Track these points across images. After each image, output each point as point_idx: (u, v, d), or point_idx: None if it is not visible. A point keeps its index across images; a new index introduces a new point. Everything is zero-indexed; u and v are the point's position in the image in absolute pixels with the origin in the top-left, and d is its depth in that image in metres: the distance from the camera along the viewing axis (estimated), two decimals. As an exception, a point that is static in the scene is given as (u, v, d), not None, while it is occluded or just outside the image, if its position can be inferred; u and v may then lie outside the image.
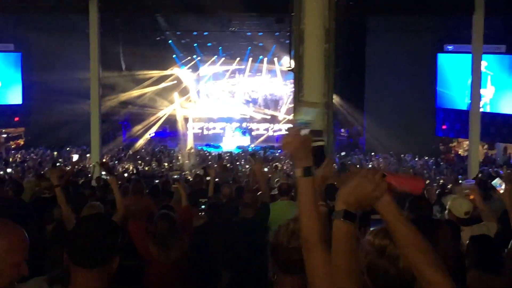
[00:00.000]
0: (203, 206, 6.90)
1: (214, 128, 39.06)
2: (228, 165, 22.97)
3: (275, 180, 12.49)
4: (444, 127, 32.23)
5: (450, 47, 30.61)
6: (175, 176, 8.74)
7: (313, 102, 2.99)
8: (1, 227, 2.68)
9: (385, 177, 2.38)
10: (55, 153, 29.73)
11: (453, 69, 30.52)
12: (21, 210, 8.30)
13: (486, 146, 31.50)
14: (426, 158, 29.85)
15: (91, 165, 22.02)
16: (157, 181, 15.81)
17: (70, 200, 7.43)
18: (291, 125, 2.94)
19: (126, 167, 25.48)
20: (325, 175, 3.59)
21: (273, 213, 6.90)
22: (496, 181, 5.55)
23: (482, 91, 22.26)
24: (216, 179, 10.66)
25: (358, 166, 24.76)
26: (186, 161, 28.30)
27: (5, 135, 34.43)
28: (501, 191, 5.46)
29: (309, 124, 2.90)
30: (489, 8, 19.53)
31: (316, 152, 3.06)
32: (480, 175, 18.81)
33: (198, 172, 17.57)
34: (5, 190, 9.23)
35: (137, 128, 36.30)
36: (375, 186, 2.35)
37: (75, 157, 14.33)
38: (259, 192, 7.19)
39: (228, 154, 31.65)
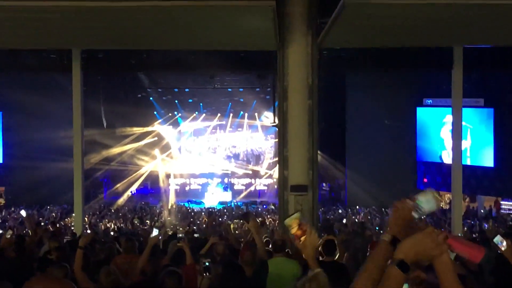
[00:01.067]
0: (207, 264, 6.80)
1: (196, 184, 38.97)
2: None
3: (263, 236, 12.41)
4: (425, 180, 32.39)
5: (429, 101, 31.04)
6: (180, 235, 8.68)
7: (437, 197, 3.02)
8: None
9: (448, 239, 2.54)
10: (35, 212, 29.37)
11: (432, 123, 30.88)
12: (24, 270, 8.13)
13: (467, 199, 31.68)
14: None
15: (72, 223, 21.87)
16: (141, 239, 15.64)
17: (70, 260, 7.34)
18: (410, 200, 3.00)
19: (108, 225, 25.24)
20: (312, 243, 3.66)
21: (270, 270, 6.86)
22: (497, 239, 5.58)
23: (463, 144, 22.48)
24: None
25: (341, 220, 24.72)
26: (168, 218, 28.10)
27: (-16, 195, 34.07)
28: (503, 248, 5.48)
29: (421, 211, 2.94)
30: (467, 62, 19.86)
31: None
32: (464, 231, 18.88)
33: (181, 229, 17.50)
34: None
35: (119, 185, 36.13)
36: (436, 245, 2.51)
37: (23, 213, 14.33)
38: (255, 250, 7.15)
39: (210, 210, 31.52)
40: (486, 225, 21.33)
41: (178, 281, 5.96)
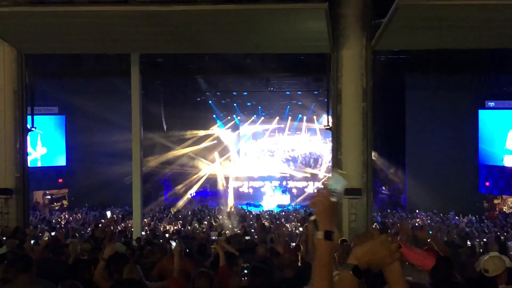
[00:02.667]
0: (245, 271, 6.84)
1: (254, 187, 39.07)
2: (267, 224, 22.87)
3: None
4: (487, 184, 31.69)
5: (491, 104, 30.35)
6: (213, 237, 8.74)
7: (343, 173, 3.06)
8: None
9: (400, 248, 2.60)
10: (95, 213, 29.99)
11: (495, 126, 30.20)
12: (61, 271, 8.37)
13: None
14: (470, 216, 29.26)
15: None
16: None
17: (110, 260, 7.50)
18: (322, 188, 3.00)
19: (167, 227, 25.56)
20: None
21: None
22: None
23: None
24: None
25: (398, 225, 24.38)
26: (227, 220, 28.25)
27: (49, 197, 34.96)
28: None
29: (337, 192, 2.99)
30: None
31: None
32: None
33: (238, 232, 17.57)
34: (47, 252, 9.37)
35: (178, 187, 36.56)
36: (389, 254, 2.60)
37: (108, 214, 14.50)
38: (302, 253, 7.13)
39: (268, 213, 31.56)
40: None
41: (207, 282, 6.03)
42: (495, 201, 33.45)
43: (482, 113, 31.06)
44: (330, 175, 3.08)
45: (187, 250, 10.06)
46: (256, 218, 25.61)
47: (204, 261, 8.39)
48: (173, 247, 7.81)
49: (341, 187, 3.01)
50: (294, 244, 12.82)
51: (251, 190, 39.04)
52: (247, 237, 14.29)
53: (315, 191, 3.01)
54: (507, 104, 26.22)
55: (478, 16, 13.45)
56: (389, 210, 32.55)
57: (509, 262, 6.81)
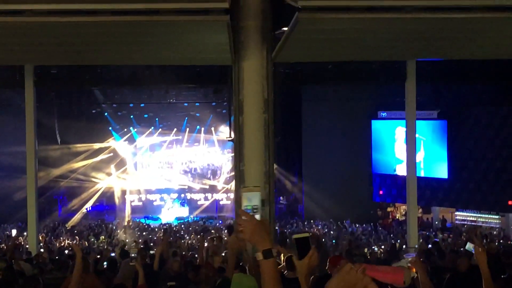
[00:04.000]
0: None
1: (152, 200, 38.60)
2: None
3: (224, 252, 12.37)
4: (381, 192, 32.72)
5: (383, 114, 31.40)
6: (133, 254, 8.54)
7: (253, 187, 3.07)
8: None
9: (366, 271, 2.54)
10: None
11: (387, 135, 31.24)
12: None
13: (420, 211, 32.10)
14: (364, 224, 30.13)
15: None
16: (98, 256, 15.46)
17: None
18: (241, 213, 3.04)
19: (62, 244, 24.85)
20: (311, 266, 3.61)
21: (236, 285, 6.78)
22: (469, 246, 5.64)
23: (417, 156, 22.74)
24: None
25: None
26: (123, 234, 27.79)
27: None
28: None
29: (256, 208, 3.01)
30: (420, 75, 20.20)
31: (300, 244, 3.19)
32: (420, 243, 19.08)
33: (141, 246, 17.28)
34: None
35: (74, 202, 35.61)
36: (358, 280, 2.52)
37: (14, 232, 13.78)
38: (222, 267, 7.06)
39: (167, 226, 31.32)
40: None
41: None
42: (388, 209, 34.62)
43: (374, 123, 32.06)
44: (242, 196, 3.09)
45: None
46: (163, 232, 25.35)
47: (113, 278, 8.17)
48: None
49: (257, 201, 3.02)
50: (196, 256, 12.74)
51: (149, 203, 38.52)
52: (151, 251, 14.06)
53: (236, 220, 3.02)
54: (399, 115, 27.17)
55: (374, 29, 13.84)
56: (286, 220, 33.01)
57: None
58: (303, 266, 3.46)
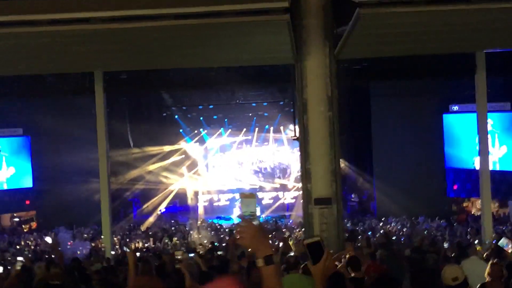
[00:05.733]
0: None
1: (224, 200, 38.91)
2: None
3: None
4: (455, 187, 32.02)
5: (455, 107, 30.70)
6: (179, 257, 8.63)
7: (250, 194, 3.05)
8: None
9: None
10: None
11: (459, 129, 30.53)
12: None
13: (497, 205, 31.14)
14: (440, 220, 29.52)
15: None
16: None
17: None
18: (240, 220, 3.04)
19: (137, 245, 25.33)
20: (326, 269, 3.56)
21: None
22: (503, 241, 5.45)
23: (490, 149, 22.16)
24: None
25: (370, 232, 24.57)
26: (196, 236, 28.08)
27: (17, 219, 34.42)
28: (509, 251, 5.36)
29: (254, 215, 3.01)
30: (490, 67, 19.69)
31: (312, 249, 3.18)
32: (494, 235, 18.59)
33: (209, 247, 17.43)
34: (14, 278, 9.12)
35: (148, 204, 36.28)
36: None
37: (48, 239, 14.18)
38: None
39: (232, 228, 31.52)
40: None
41: None
42: (464, 204, 33.81)
43: (446, 117, 31.39)
44: (239, 202, 3.09)
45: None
46: (229, 233, 25.48)
47: (180, 282, 8.24)
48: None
49: (254, 208, 3.02)
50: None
51: (221, 203, 38.86)
52: (219, 252, 14.18)
53: (235, 228, 3.06)
54: (471, 108, 26.48)
55: (439, 22, 13.59)
56: (358, 218, 32.70)
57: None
58: (317, 271, 3.47)
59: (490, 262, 7.10)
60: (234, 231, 26.14)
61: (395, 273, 10.19)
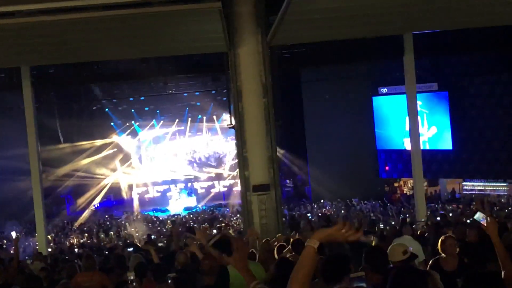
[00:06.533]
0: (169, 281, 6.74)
1: (159, 192, 38.64)
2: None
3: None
4: (387, 168, 32.67)
5: (384, 90, 31.25)
6: (130, 249, 8.55)
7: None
8: None
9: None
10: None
11: (389, 111, 31.10)
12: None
13: (425, 183, 31.99)
14: (373, 201, 30.10)
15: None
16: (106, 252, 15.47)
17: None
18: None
19: (72, 241, 24.88)
20: (243, 255, 3.70)
21: (232, 275, 6.73)
22: (479, 215, 5.54)
23: (420, 130, 22.64)
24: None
25: (308, 215, 24.83)
26: (132, 229, 27.78)
27: None
28: (485, 224, 5.44)
29: None
30: (418, 48, 20.07)
31: (220, 245, 3.62)
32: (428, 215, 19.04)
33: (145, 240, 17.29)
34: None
35: (81, 200, 35.64)
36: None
37: (13, 234, 13.82)
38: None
39: (175, 217, 31.34)
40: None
41: None
42: (395, 184, 34.57)
43: (376, 100, 31.93)
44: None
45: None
46: (171, 224, 25.32)
47: (123, 274, 8.13)
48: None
49: None
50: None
51: (156, 195, 38.57)
52: (160, 244, 14.07)
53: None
54: (399, 89, 27.02)
55: (367, 5, 13.77)
56: (294, 203, 33.02)
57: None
58: (235, 260, 3.65)
59: (442, 238, 7.13)
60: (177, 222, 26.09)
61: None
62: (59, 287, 6.53)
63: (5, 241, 25.39)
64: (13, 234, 12.81)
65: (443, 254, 6.97)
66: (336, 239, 3.09)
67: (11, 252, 20.07)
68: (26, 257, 16.99)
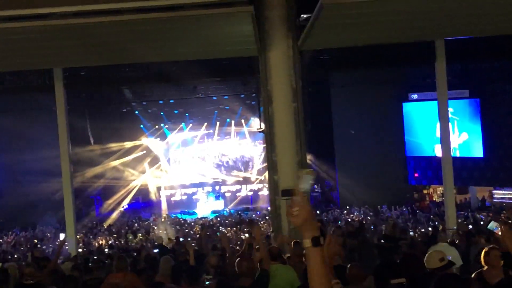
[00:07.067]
0: (207, 283, 6.75)
1: (187, 195, 38.79)
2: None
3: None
4: (416, 175, 32.43)
5: (414, 96, 31.05)
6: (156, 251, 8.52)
7: (311, 170, 2.98)
8: None
9: None
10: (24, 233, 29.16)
11: (419, 117, 30.89)
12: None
13: (455, 191, 31.62)
14: (403, 208, 29.87)
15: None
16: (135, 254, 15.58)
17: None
18: (296, 196, 2.89)
19: (101, 242, 25.09)
20: (331, 252, 3.55)
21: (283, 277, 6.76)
22: (492, 225, 5.47)
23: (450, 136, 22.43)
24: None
25: (336, 222, 24.73)
26: (161, 231, 27.93)
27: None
28: (499, 233, 5.34)
29: (306, 193, 2.92)
30: (449, 55, 19.90)
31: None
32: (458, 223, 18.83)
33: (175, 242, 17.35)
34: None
35: (110, 201, 35.94)
36: None
37: (62, 236, 13.76)
38: (259, 259, 7.06)
39: (203, 220, 31.45)
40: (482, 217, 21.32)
41: None
42: (425, 191, 34.28)
43: (406, 106, 31.74)
44: (298, 177, 2.98)
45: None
46: (201, 227, 25.40)
47: (153, 276, 8.18)
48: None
49: (309, 186, 2.94)
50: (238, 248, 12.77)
51: (184, 198, 38.74)
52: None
53: (291, 201, 2.89)
54: (430, 96, 26.81)
55: (399, 11, 13.69)
56: (321, 208, 32.91)
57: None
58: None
59: (484, 249, 6.80)
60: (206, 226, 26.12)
61: (365, 261, 10.29)
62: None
63: (35, 240, 25.77)
64: (62, 236, 12.98)
65: (486, 266, 6.55)
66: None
67: (46, 251, 20.43)
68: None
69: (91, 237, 27.70)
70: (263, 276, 6.54)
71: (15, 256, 20.25)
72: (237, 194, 38.66)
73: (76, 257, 14.98)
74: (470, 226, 17.12)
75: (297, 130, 15.12)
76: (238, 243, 18.19)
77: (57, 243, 23.38)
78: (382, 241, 13.17)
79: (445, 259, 6.17)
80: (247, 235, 19.11)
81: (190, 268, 7.70)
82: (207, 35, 15.22)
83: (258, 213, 33.92)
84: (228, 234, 23.46)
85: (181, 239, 19.31)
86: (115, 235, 27.55)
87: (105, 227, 31.74)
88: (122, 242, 25.09)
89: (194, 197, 38.44)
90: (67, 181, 20.66)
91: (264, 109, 15.87)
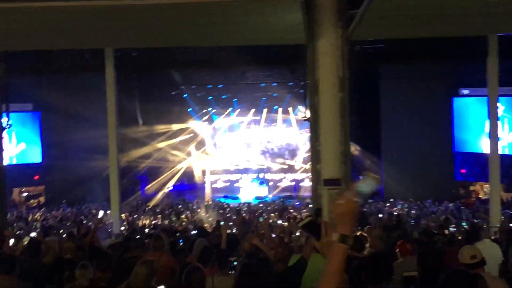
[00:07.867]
0: (235, 263, 6.84)
1: (231, 180, 39.02)
2: (246, 216, 22.92)
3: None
4: (463, 171, 31.99)
5: (465, 91, 30.58)
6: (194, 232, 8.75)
7: (376, 177, 3.03)
8: None
9: None
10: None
11: (469, 113, 30.42)
12: (40, 272, 8.22)
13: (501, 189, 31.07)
14: (449, 203, 29.49)
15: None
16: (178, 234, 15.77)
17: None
18: (349, 191, 3.00)
19: (145, 222, 25.46)
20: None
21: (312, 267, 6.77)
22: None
23: (500, 134, 22.08)
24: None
25: (378, 214, 24.55)
26: (204, 214, 28.20)
27: (25, 194, 34.64)
28: None
29: (363, 195, 2.96)
30: (502, 51, 19.54)
31: (309, 228, 3.25)
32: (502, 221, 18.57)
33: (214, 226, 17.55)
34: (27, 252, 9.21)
35: (156, 182, 36.42)
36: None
37: (101, 213, 14.01)
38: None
39: (246, 205, 31.58)
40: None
41: (200, 279, 5.97)
42: (471, 188, 33.78)
43: (456, 101, 31.28)
44: (361, 178, 3.04)
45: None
46: (236, 213, 25.57)
47: (187, 256, 8.33)
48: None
49: (370, 190, 2.99)
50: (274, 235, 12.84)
51: (228, 183, 38.98)
52: (228, 231, 14.21)
53: (341, 192, 3.00)
54: (481, 91, 26.36)
55: (452, 4, 13.50)
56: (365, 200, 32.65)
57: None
58: (323, 246, 3.46)
59: None
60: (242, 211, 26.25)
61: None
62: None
63: (82, 217, 26.29)
64: (101, 213, 13.22)
65: None
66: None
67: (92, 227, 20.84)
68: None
69: (135, 216, 28.11)
70: (301, 263, 6.57)
71: (61, 231, 20.70)
72: (281, 181, 38.66)
73: (118, 235, 15.26)
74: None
75: (342, 121, 15.04)
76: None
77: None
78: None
79: (477, 257, 6.13)
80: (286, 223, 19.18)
81: (220, 251, 7.79)
82: (256, 21, 15.27)
83: (298, 203, 33.90)
84: (270, 221, 23.55)
85: (221, 223, 19.49)
86: (159, 216, 27.89)
87: (150, 207, 32.15)
88: (166, 223, 25.41)
89: (238, 182, 38.63)
90: (114, 160, 21.06)
91: (310, 98, 15.85)
